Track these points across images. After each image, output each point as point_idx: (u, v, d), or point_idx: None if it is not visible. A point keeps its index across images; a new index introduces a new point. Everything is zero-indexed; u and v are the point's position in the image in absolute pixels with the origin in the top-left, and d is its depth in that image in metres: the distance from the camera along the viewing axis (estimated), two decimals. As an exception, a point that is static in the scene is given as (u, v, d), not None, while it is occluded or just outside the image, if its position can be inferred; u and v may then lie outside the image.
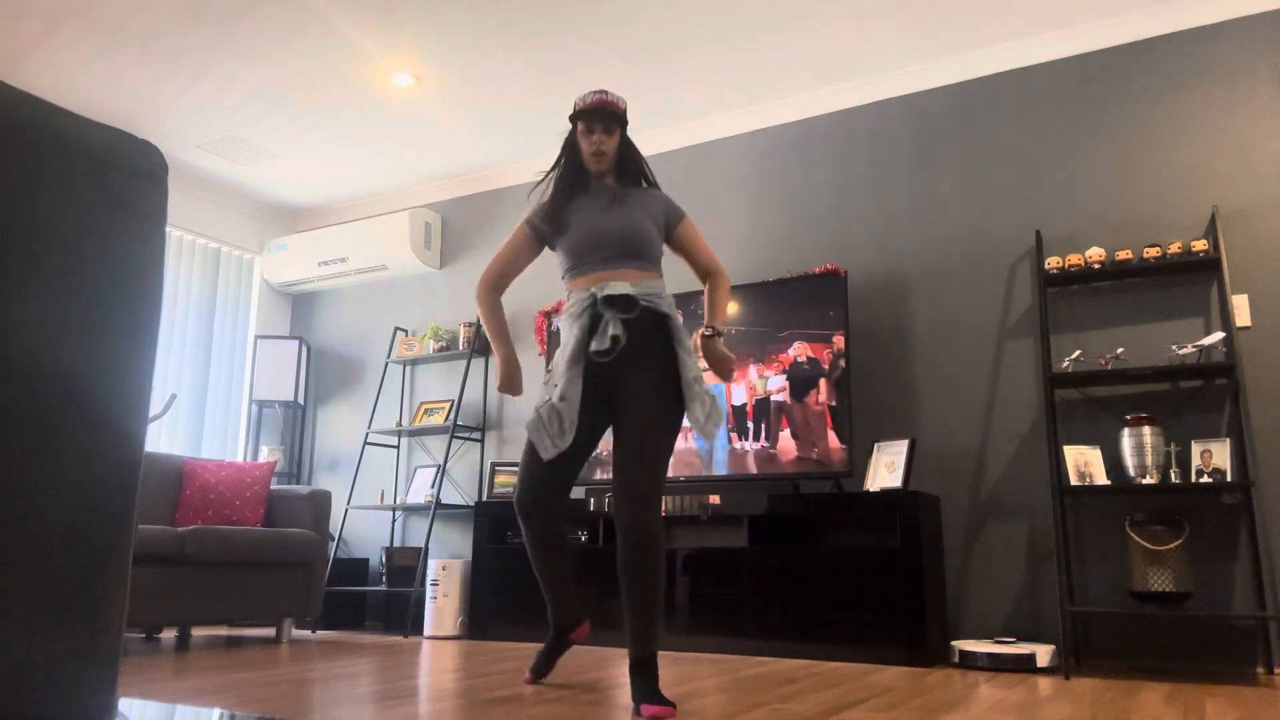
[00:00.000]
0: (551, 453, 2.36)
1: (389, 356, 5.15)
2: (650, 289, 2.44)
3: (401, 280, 5.43)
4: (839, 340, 3.71)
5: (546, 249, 2.93)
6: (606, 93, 2.51)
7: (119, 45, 3.95)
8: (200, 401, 5.23)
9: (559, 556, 2.55)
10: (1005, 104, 3.89)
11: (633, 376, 2.36)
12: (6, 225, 0.93)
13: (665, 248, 2.70)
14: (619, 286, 2.39)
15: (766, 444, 3.76)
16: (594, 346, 2.35)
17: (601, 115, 2.48)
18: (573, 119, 2.54)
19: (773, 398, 3.80)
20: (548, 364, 4.41)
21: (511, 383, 2.56)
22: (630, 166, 2.59)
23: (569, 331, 2.42)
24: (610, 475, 4.10)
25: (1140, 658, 3.25)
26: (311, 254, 5.41)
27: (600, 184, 2.57)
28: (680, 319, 2.49)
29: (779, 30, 3.79)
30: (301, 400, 5.48)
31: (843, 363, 3.68)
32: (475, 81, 4.23)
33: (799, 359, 3.78)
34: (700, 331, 2.53)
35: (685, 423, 3.35)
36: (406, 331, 5.29)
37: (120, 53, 4.01)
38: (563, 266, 2.53)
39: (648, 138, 4.72)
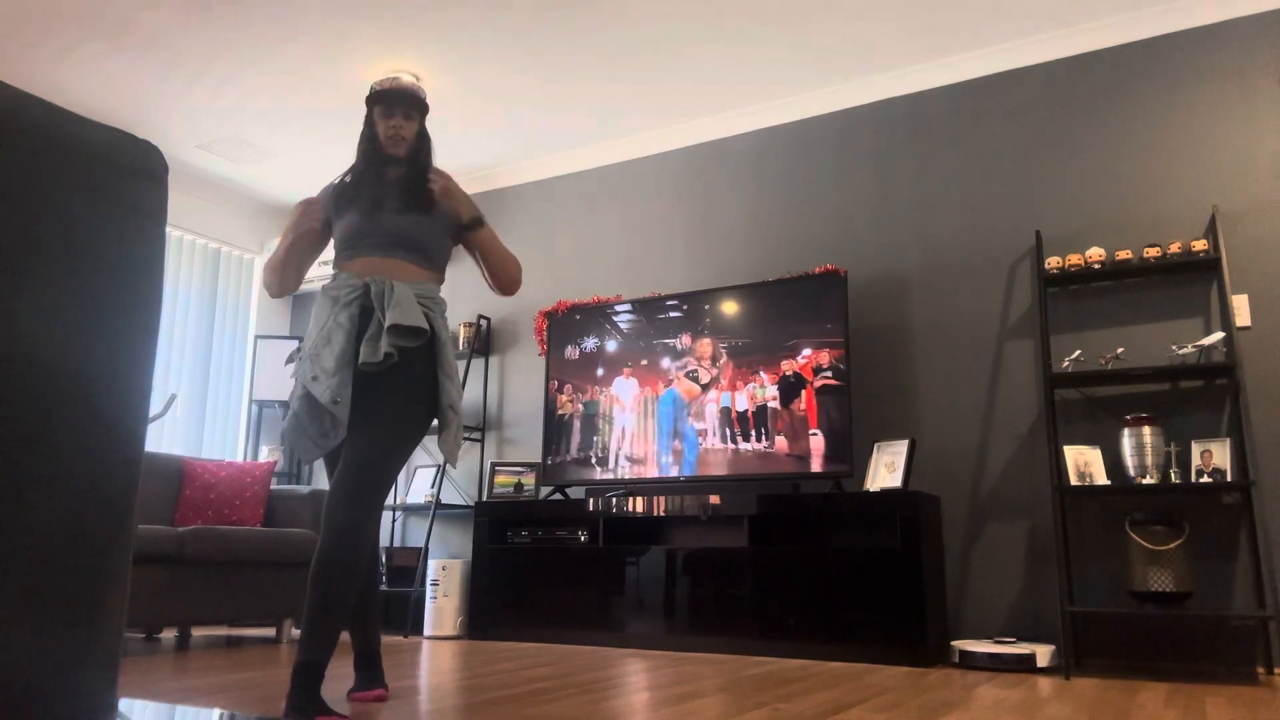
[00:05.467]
0: (314, 454, 2.18)
1: (389, 356, 5.14)
2: (426, 292, 2.32)
3: (401, 280, 5.42)
4: (839, 340, 3.71)
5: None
6: (403, 79, 2.45)
7: (119, 46, 3.95)
8: (200, 401, 5.23)
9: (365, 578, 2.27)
10: (1005, 104, 3.89)
11: (393, 386, 2.22)
12: (6, 225, 0.93)
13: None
14: (403, 294, 2.23)
15: (765, 445, 3.76)
16: (363, 358, 2.16)
17: (402, 99, 2.41)
18: (370, 102, 2.43)
19: (769, 404, 3.80)
20: (547, 369, 4.41)
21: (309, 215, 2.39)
22: (422, 158, 2.46)
23: (329, 315, 2.23)
24: (601, 476, 4.10)
25: (1140, 658, 3.25)
26: (311, 254, 5.40)
27: (394, 173, 2.44)
28: (448, 334, 2.35)
29: (779, 30, 3.79)
30: (301, 400, 5.47)
31: (842, 363, 3.68)
32: (475, 82, 4.23)
33: (799, 364, 3.78)
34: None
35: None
36: (406, 331, 5.29)
37: (120, 53, 4.01)
38: (335, 249, 2.38)
39: (649, 138, 4.72)
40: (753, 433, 3.80)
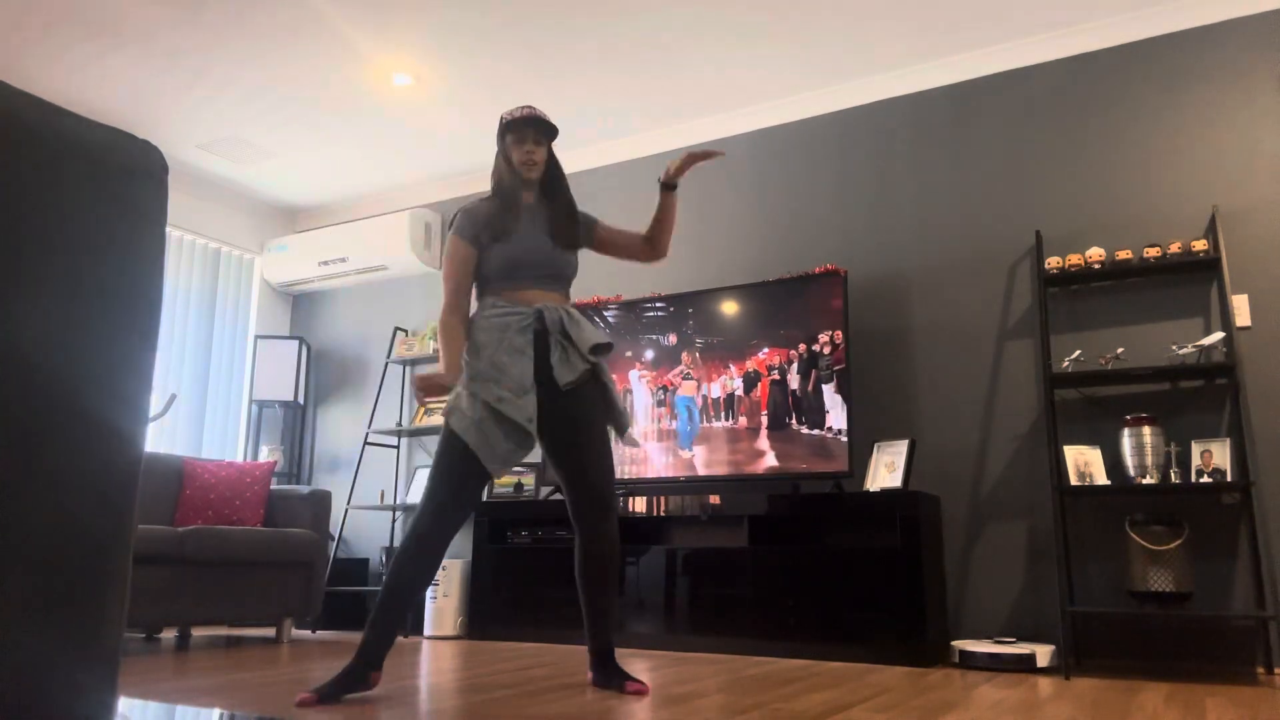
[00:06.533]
0: (502, 470, 2.37)
1: (389, 356, 5.15)
2: (580, 314, 2.59)
3: (401, 280, 5.42)
4: (839, 340, 3.71)
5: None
6: (534, 107, 2.60)
7: (119, 45, 3.95)
8: (200, 401, 5.23)
9: (426, 587, 2.45)
10: (1005, 104, 3.89)
11: (576, 401, 2.51)
12: (5, 226, 0.93)
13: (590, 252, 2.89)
14: (581, 319, 2.53)
15: (734, 422, 3.76)
16: (564, 378, 2.44)
17: (534, 125, 2.56)
18: (503, 132, 2.60)
19: (768, 392, 3.80)
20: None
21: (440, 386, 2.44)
22: (558, 182, 2.66)
23: (499, 339, 2.44)
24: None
25: (1140, 658, 3.25)
26: (311, 254, 5.41)
27: (529, 197, 2.62)
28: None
29: (779, 30, 3.79)
30: (301, 400, 5.48)
31: (842, 363, 3.68)
32: (475, 81, 4.23)
33: (795, 358, 3.79)
34: (664, 191, 2.65)
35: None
36: (406, 331, 5.29)
37: (120, 53, 4.01)
38: (486, 276, 2.55)
39: (648, 138, 4.72)
40: (736, 417, 3.80)
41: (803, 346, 3.78)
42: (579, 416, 2.50)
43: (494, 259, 2.52)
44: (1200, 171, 3.47)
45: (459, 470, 2.38)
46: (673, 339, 4.11)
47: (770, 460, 3.76)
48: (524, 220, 2.56)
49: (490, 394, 2.37)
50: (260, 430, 5.52)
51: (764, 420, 3.82)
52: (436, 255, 5.28)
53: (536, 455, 4.68)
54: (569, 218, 2.61)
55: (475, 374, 2.43)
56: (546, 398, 2.49)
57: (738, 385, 3.92)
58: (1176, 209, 3.48)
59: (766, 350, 3.88)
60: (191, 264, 5.31)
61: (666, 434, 4.02)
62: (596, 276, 4.75)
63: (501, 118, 2.60)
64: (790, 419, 3.75)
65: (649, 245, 2.71)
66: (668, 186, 2.64)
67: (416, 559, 2.36)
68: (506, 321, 2.45)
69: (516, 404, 2.37)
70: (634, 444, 2.68)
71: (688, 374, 4.05)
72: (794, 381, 3.78)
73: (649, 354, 4.14)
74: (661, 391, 4.08)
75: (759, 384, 3.87)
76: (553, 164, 2.64)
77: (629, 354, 4.20)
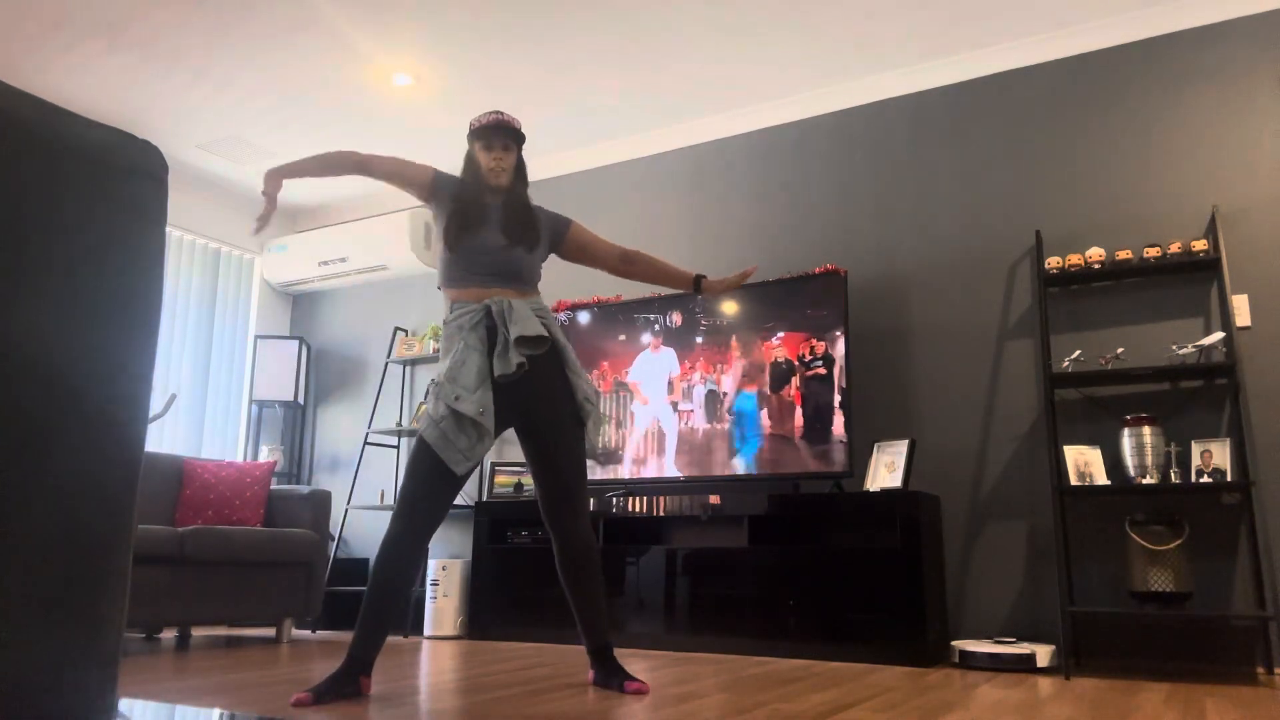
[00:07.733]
0: (464, 466, 2.36)
1: (389, 356, 5.15)
2: (539, 305, 2.58)
3: (401, 280, 5.43)
4: (839, 340, 3.71)
5: (420, 203, 2.84)
6: (502, 112, 2.62)
7: (119, 46, 3.95)
8: (200, 401, 5.23)
9: (409, 588, 2.44)
10: (1005, 104, 3.89)
11: (540, 396, 2.50)
12: (6, 226, 0.93)
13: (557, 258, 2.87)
14: (520, 310, 2.47)
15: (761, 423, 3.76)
16: (498, 370, 2.40)
17: (500, 132, 2.59)
18: (471, 138, 2.63)
19: (767, 390, 3.80)
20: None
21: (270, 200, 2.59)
22: (520, 185, 2.68)
23: (460, 341, 2.46)
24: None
25: (1140, 658, 3.25)
26: (311, 254, 5.41)
27: (495, 199, 2.62)
28: (564, 338, 2.61)
29: (779, 30, 3.79)
30: (301, 400, 5.48)
31: (843, 362, 3.68)
32: (475, 81, 4.23)
33: (793, 357, 3.78)
34: (692, 283, 2.73)
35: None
36: (406, 331, 5.29)
37: (120, 53, 4.01)
38: (443, 272, 2.59)
39: (647, 138, 4.72)
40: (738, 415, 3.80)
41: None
42: (549, 414, 2.50)
43: (454, 259, 2.56)
44: (1200, 171, 3.47)
45: (426, 469, 2.38)
46: (677, 318, 4.10)
47: (771, 461, 3.76)
48: (485, 221, 2.57)
49: (448, 394, 2.38)
50: (260, 430, 5.52)
51: (799, 424, 3.70)
52: (437, 255, 5.28)
53: (536, 455, 4.68)
54: (525, 219, 2.60)
55: (440, 376, 2.46)
56: (515, 396, 2.47)
57: (764, 380, 3.82)
58: (1176, 209, 3.48)
59: (781, 335, 3.80)
60: (191, 264, 5.31)
61: (685, 433, 4.02)
62: (597, 277, 4.75)
63: (470, 124, 2.63)
64: (833, 423, 3.61)
65: (626, 268, 2.74)
66: (697, 290, 2.74)
67: (394, 560, 2.35)
68: (461, 322, 2.48)
69: (469, 400, 2.36)
70: (593, 455, 2.62)
71: (699, 373, 4.02)
72: (844, 379, 3.65)
73: (646, 337, 4.14)
74: (687, 372, 4.08)
75: (792, 379, 3.75)
76: (518, 167, 2.67)
77: (622, 338, 4.20)
